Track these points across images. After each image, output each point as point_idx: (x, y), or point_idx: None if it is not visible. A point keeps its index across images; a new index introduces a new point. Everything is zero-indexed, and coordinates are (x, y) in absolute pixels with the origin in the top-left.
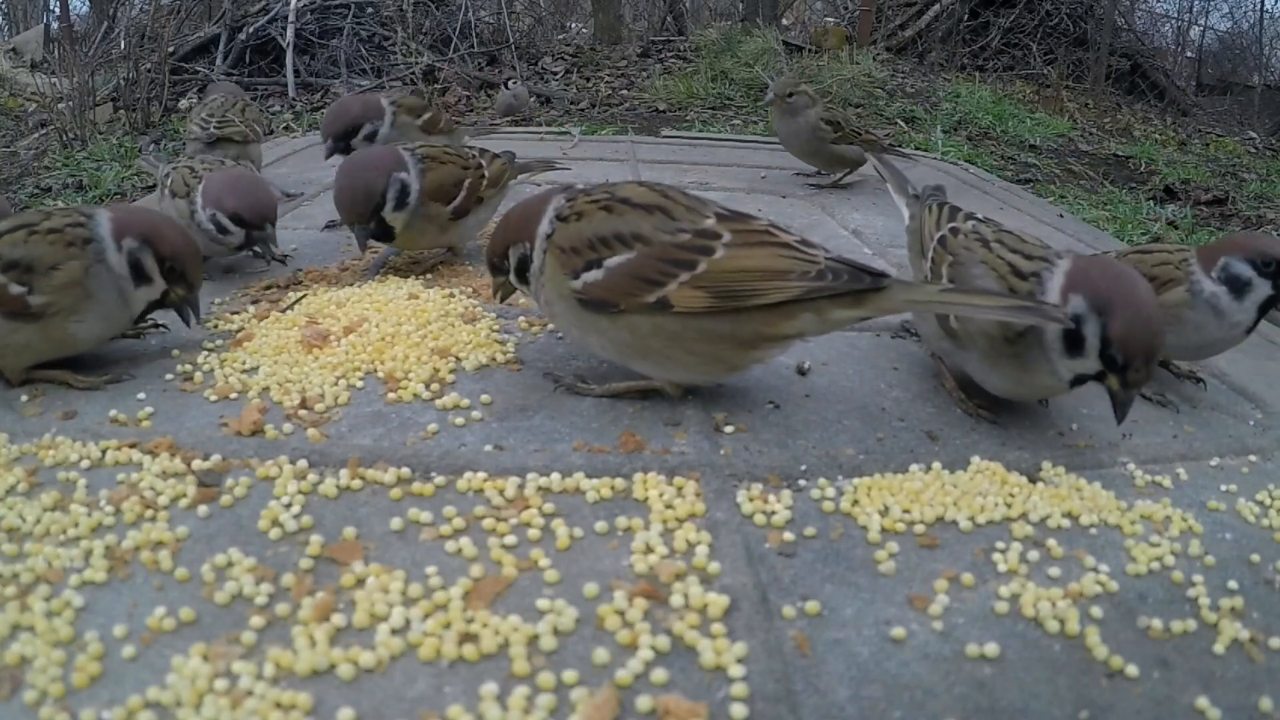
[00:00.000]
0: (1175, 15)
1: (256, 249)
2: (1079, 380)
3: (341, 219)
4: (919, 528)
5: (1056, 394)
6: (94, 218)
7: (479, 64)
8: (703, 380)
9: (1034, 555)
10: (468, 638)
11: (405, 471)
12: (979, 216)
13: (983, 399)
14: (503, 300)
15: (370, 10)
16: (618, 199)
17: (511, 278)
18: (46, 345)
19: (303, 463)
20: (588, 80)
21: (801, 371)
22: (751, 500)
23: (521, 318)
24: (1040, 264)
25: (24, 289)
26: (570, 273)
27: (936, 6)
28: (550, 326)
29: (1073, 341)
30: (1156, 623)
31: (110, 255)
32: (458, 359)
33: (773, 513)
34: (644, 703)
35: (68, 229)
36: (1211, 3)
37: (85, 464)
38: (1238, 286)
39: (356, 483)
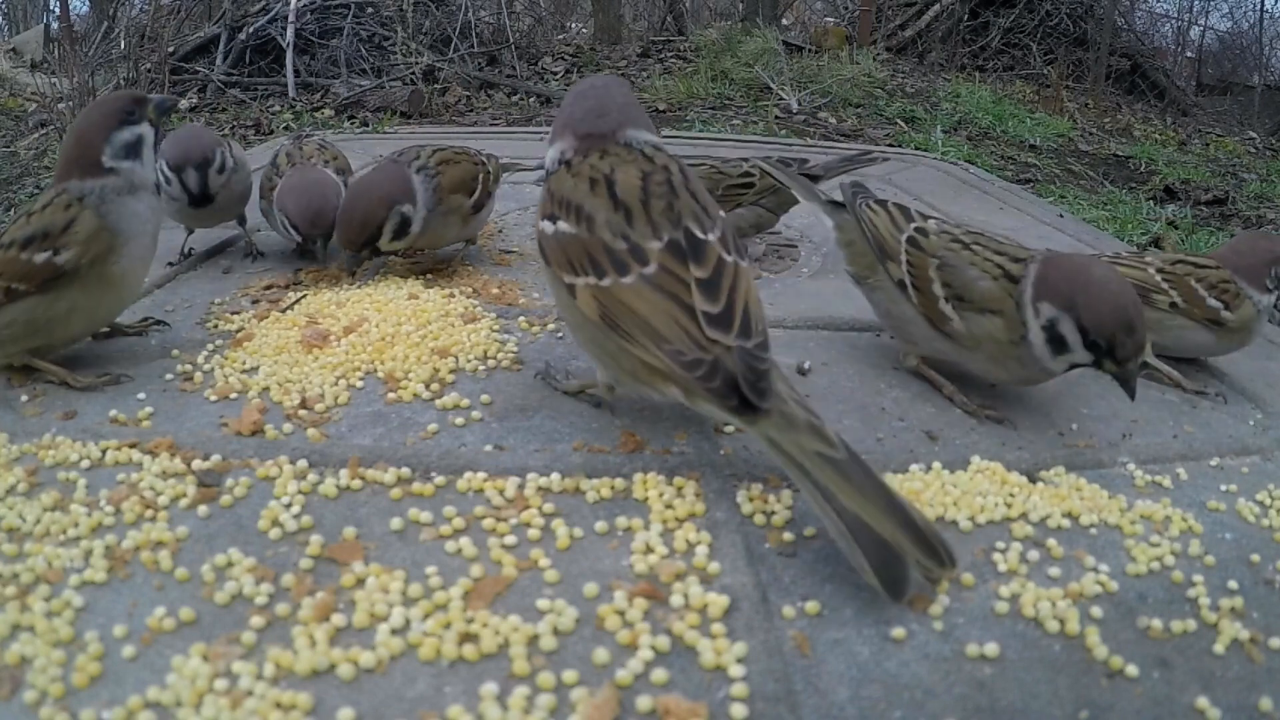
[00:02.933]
0: (1175, 15)
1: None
2: (1074, 365)
3: (337, 241)
4: None
5: (1053, 377)
6: (66, 188)
7: (479, 64)
8: (612, 383)
9: (1034, 555)
10: (468, 638)
11: (405, 471)
12: (925, 214)
13: (984, 398)
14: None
15: (370, 10)
16: (608, 179)
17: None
18: (92, 302)
19: (303, 463)
20: None
21: (801, 371)
22: (751, 500)
23: (521, 318)
24: (1024, 265)
25: (48, 253)
26: (541, 215)
27: (936, 6)
28: (550, 326)
29: (1056, 343)
30: (1156, 623)
31: (113, 188)
32: (458, 359)
33: (773, 513)
34: (644, 703)
35: (55, 199)
36: (1211, 3)
37: (85, 464)
38: None
39: (356, 483)
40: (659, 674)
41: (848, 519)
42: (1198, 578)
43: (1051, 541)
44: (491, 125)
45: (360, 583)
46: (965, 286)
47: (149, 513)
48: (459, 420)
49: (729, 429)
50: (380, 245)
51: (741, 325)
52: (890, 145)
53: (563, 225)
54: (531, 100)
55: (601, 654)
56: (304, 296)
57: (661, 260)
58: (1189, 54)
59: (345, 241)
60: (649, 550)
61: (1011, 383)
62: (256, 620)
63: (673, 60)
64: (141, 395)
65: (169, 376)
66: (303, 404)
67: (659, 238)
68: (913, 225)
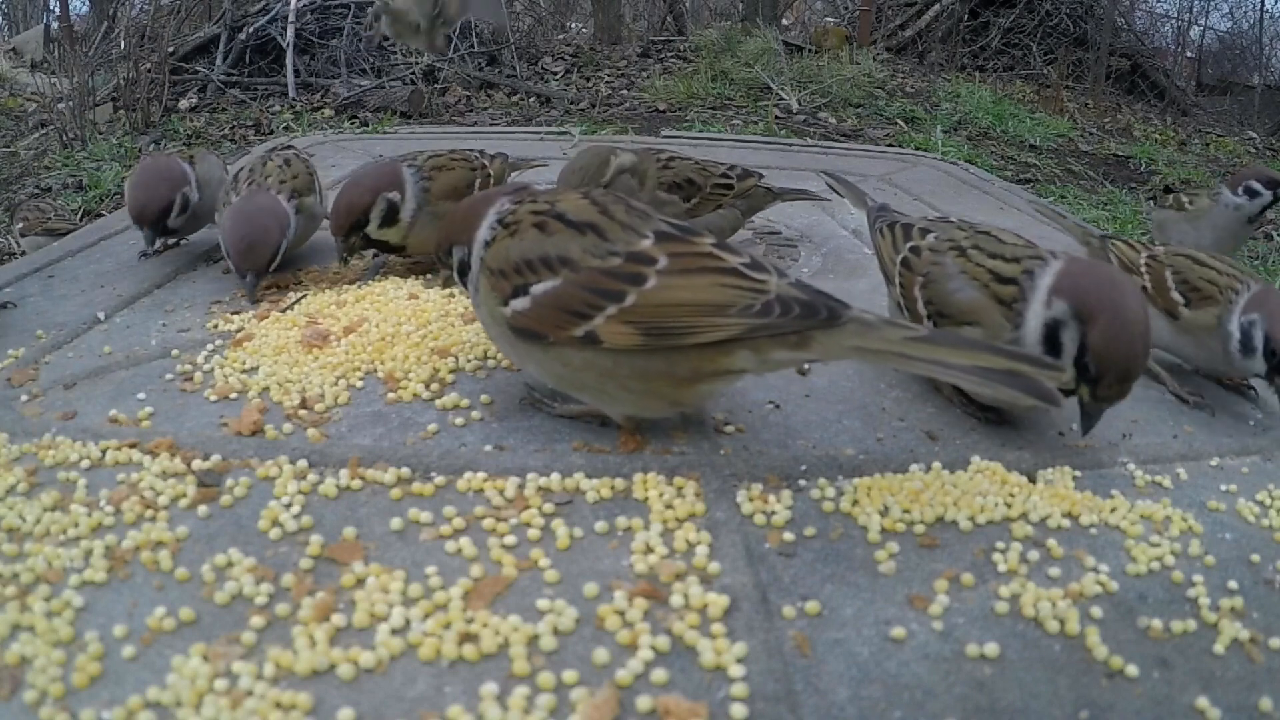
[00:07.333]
0: (1175, 15)
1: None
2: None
3: (330, 229)
4: (919, 528)
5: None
6: None
7: (479, 64)
8: (645, 415)
9: (1034, 555)
10: (468, 638)
11: (405, 471)
12: (950, 219)
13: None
14: (446, 287)
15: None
16: (554, 214)
17: (455, 275)
18: None
19: (303, 463)
20: (588, 80)
21: (801, 371)
22: (751, 500)
23: None
24: (1031, 262)
25: None
26: (501, 298)
27: (936, 6)
28: None
29: (1051, 344)
30: (1156, 623)
31: None
32: (458, 359)
33: (773, 513)
34: (644, 703)
35: None
36: (1211, 3)
37: (85, 464)
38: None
39: (356, 483)
40: (659, 674)
41: (971, 370)
42: (1198, 578)
43: (1051, 541)
44: (491, 125)
45: (360, 583)
46: (944, 301)
47: (149, 513)
48: (459, 420)
49: (729, 429)
50: (369, 233)
51: (775, 269)
52: (890, 145)
53: (539, 287)
54: (531, 100)
55: (601, 654)
56: (304, 296)
57: (666, 250)
58: (1189, 54)
59: (334, 228)
60: (649, 550)
61: (993, 401)
62: (256, 620)
63: (673, 60)
64: (141, 395)
65: (169, 376)
66: (303, 404)
67: (644, 235)
68: (909, 245)
